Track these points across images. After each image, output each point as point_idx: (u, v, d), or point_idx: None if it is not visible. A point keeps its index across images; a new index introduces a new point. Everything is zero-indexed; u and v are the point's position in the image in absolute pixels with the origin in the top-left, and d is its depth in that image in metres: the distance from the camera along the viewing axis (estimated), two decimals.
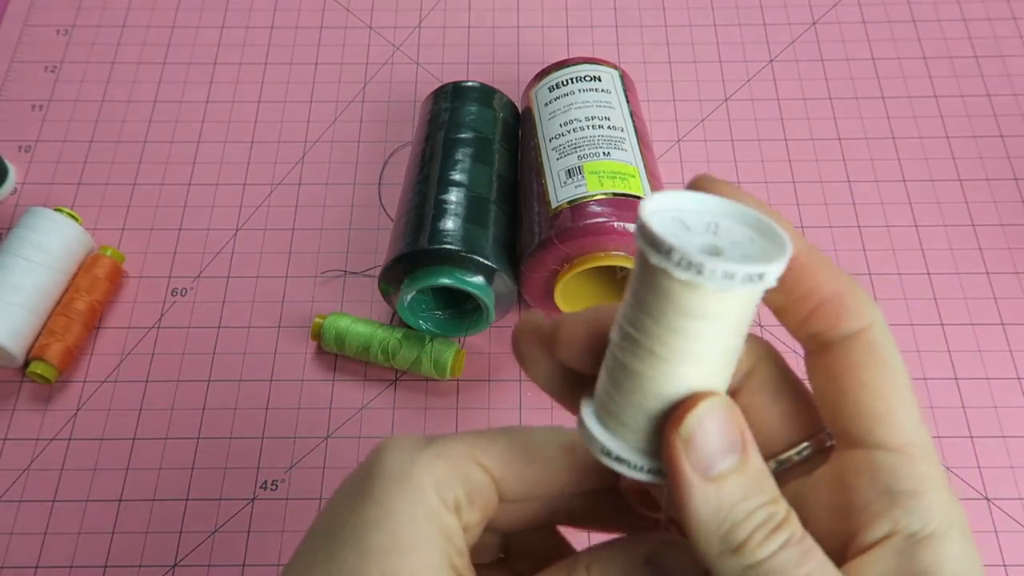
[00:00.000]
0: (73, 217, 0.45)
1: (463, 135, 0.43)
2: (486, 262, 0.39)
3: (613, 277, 0.43)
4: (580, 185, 0.39)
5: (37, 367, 0.42)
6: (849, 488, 0.20)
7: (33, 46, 0.54)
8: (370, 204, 0.48)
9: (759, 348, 0.22)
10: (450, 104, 0.45)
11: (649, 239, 0.17)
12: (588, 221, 0.38)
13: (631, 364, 0.18)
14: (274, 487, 0.41)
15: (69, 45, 0.54)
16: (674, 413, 0.19)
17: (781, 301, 0.21)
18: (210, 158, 0.50)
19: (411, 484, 0.20)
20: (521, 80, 0.53)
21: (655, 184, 0.40)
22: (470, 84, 0.46)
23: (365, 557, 0.19)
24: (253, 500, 0.40)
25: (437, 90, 0.46)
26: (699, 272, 0.16)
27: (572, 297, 0.42)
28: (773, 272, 0.17)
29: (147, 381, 0.43)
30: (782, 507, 0.19)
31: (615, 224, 0.37)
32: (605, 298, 0.43)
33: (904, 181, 0.49)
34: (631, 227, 0.37)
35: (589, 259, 0.38)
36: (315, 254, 0.47)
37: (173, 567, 0.39)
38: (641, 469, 0.20)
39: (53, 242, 0.43)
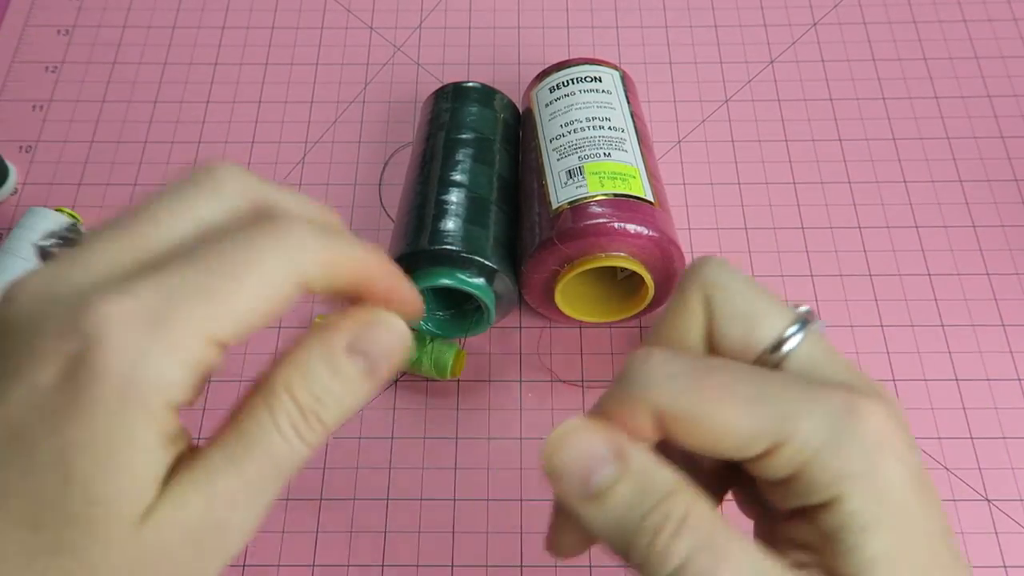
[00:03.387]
0: (73, 217, 0.45)
1: (464, 136, 0.43)
2: (487, 263, 0.39)
3: (614, 278, 0.43)
4: (581, 186, 0.39)
5: None
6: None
7: (33, 46, 0.54)
8: (371, 205, 0.48)
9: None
10: (451, 105, 0.45)
11: None
12: (589, 222, 0.38)
13: None
14: None
15: (69, 45, 0.54)
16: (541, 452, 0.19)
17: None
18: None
19: (137, 401, 0.16)
20: (522, 81, 0.53)
21: (656, 185, 0.40)
22: (471, 85, 0.46)
23: (70, 483, 0.16)
24: None
25: (438, 91, 0.46)
26: None
27: (572, 298, 0.42)
28: None
29: None
30: (680, 502, 0.18)
31: (616, 225, 0.37)
32: (605, 299, 0.43)
33: (905, 182, 0.49)
34: (632, 227, 0.37)
35: (589, 260, 0.38)
36: None
37: None
38: None
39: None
